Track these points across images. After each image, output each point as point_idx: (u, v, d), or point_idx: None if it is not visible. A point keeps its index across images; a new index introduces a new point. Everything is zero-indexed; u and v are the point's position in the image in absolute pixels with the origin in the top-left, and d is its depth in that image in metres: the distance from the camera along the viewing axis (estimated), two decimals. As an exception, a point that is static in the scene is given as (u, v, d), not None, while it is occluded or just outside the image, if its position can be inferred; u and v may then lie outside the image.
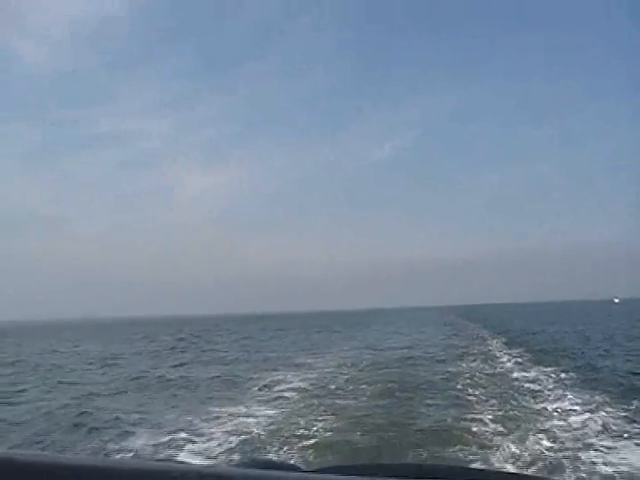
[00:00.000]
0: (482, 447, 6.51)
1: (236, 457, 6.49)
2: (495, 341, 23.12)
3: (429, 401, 9.69)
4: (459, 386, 11.19)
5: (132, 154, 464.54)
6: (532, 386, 10.91)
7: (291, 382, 12.81)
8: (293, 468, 1.23)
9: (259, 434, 7.71)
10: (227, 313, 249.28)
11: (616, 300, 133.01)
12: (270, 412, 9.31)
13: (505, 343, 21.79)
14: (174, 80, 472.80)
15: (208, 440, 7.52)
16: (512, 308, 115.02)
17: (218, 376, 14.90)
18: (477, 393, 10.29)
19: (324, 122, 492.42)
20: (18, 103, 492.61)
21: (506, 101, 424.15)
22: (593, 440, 6.66)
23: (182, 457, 6.51)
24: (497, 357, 16.78)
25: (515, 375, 12.58)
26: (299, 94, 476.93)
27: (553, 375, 12.28)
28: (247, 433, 7.75)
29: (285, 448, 6.95)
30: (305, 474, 0.93)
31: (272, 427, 8.12)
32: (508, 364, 14.88)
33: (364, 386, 11.86)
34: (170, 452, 7.08)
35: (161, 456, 6.92)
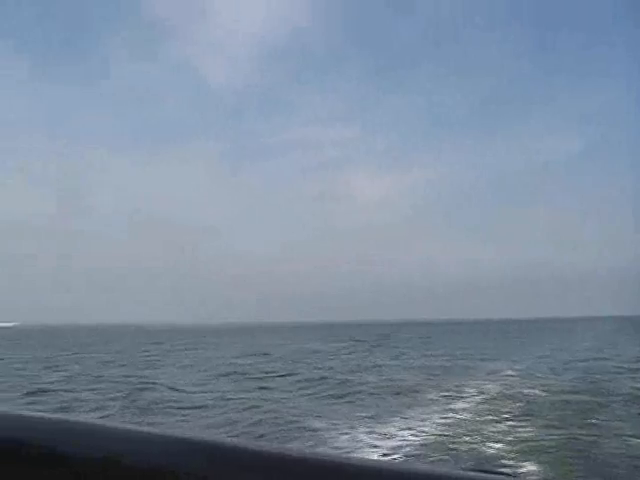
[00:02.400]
0: None
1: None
2: None
3: None
4: None
5: (315, 161, 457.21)
6: None
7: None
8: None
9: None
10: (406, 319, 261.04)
11: None
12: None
13: None
14: (353, 86, 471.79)
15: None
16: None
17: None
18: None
19: (496, 124, 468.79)
20: (207, 119, 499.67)
21: None
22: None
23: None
24: None
25: None
26: (471, 95, 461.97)
27: None
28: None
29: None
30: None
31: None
32: None
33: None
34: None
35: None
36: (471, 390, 15.24)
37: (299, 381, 18.47)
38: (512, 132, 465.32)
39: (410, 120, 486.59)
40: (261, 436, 10.01)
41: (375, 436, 9.81)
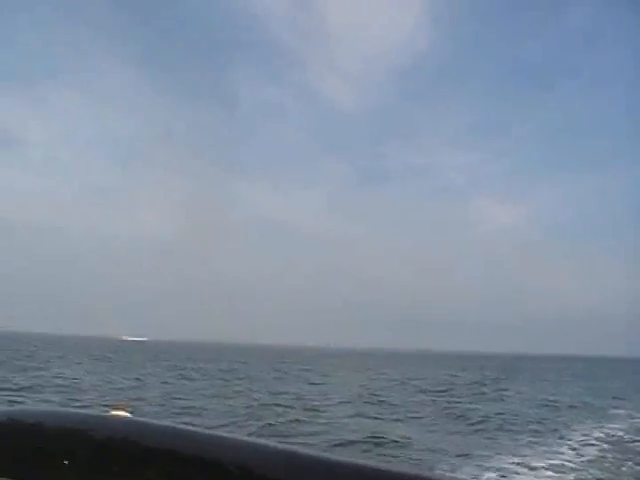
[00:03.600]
0: None
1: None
2: None
3: None
4: None
5: (436, 186, 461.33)
6: None
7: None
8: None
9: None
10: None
11: None
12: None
13: None
14: (477, 107, 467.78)
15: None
16: None
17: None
18: None
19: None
20: (330, 141, 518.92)
21: None
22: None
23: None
24: None
25: None
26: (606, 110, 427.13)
27: None
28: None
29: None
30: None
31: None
32: None
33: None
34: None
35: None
36: None
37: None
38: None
39: (539, 145, 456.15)
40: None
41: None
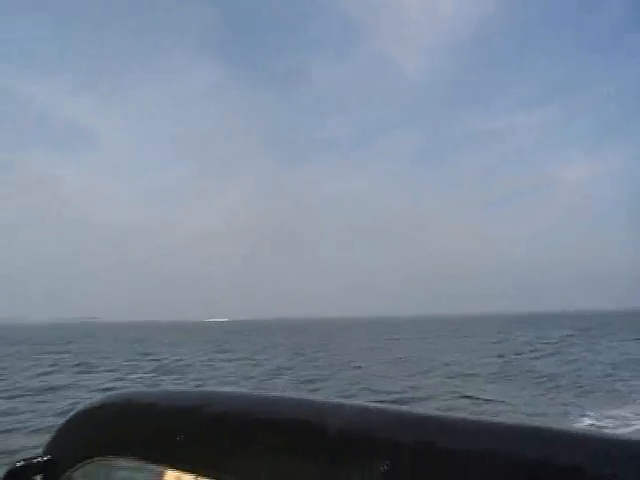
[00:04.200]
0: None
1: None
2: None
3: None
4: None
5: (504, 150, 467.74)
6: None
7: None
8: None
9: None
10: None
11: None
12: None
13: None
14: (551, 68, 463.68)
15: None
16: None
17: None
18: None
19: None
20: (403, 109, 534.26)
21: None
22: None
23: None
24: None
25: None
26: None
27: None
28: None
29: None
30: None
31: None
32: None
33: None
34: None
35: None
36: None
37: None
38: None
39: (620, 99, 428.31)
40: None
41: None
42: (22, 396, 16.68)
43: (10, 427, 11.81)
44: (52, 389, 18.30)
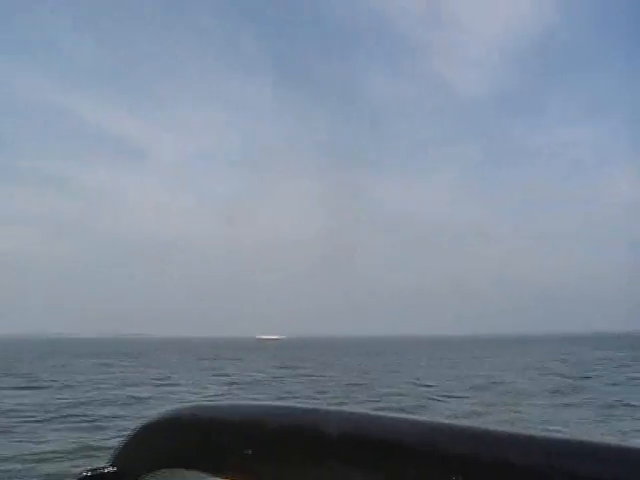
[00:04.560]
0: None
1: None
2: None
3: None
4: None
5: (561, 165, 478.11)
6: None
7: None
8: None
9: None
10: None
11: None
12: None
13: None
14: (600, 83, 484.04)
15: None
16: None
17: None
18: None
19: None
20: (458, 125, 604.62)
21: None
22: None
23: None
24: None
25: None
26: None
27: None
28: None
29: None
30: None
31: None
32: None
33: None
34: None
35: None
36: None
37: None
38: None
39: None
40: None
41: None
42: (114, 404, 17.73)
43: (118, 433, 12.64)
44: (138, 399, 19.27)
